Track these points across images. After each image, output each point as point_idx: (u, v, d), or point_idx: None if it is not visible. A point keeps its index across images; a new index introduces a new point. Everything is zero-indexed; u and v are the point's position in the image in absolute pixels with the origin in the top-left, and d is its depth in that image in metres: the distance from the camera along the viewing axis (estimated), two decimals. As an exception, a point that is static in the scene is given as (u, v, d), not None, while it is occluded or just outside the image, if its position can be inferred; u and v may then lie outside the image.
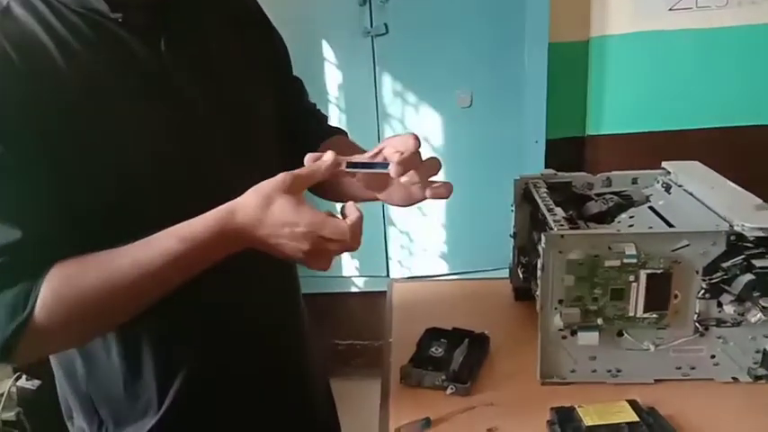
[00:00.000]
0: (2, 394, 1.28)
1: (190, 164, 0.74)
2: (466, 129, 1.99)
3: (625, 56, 2.00)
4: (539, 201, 0.98)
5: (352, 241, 0.66)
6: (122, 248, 0.66)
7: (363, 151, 0.95)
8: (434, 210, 2.07)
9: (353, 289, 2.22)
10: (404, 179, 0.72)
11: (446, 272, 2.11)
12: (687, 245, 0.82)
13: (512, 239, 1.13)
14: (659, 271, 0.83)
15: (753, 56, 1.98)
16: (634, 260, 0.82)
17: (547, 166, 2.02)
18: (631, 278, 0.83)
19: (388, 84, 1.95)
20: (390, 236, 2.13)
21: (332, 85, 1.95)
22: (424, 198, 0.77)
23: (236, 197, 0.77)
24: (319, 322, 2.25)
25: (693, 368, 0.88)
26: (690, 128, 2.07)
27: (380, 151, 0.75)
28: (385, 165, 0.72)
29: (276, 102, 0.87)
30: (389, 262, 2.16)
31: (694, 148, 2.04)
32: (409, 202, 0.79)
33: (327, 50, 1.92)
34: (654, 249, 0.82)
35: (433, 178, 0.76)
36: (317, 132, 0.96)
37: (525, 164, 1.97)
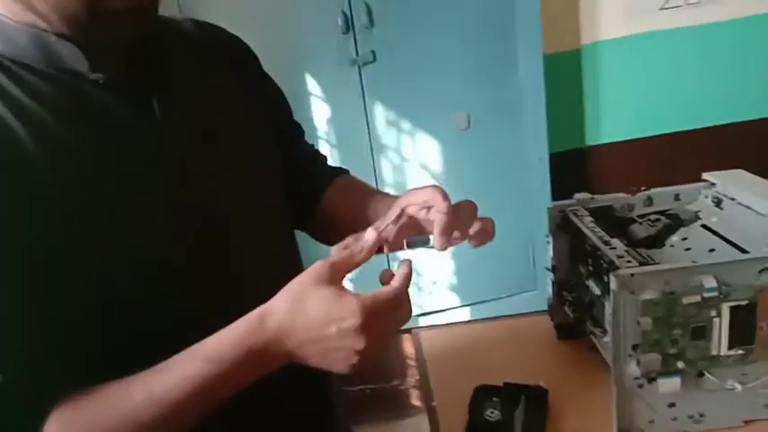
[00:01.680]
0: None
1: (202, 245, 0.62)
2: (465, 151, 1.89)
3: (619, 60, 1.94)
4: (588, 232, 0.88)
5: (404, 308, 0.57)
6: (137, 379, 0.53)
7: (372, 189, 0.86)
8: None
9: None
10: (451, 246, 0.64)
11: (458, 304, 2.00)
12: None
13: (550, 273, 1.03)
14: (743, 302, 0.73)
15: (748, 49, 1.93)
16: (715, 293, 0.72)
17: (553, 182, 1.95)
18: (713, 313, 0.74)
19: (380, 113, 1.85)
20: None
21: (320, 120, 1.83)
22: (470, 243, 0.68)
23: (255, 269, 0.66)
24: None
25: (783, 403, 0.79)
26: (691, 128, 2.01)
27: (403, 212, 0.66)
28: (426, 240, 0.64)
29: (281, 150, 0.77)
30: (397, 300, 2.02)
31: (698, 147, 1.98)
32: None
33: (312, 83, 1.81)
34: (735, 279, 0.73)
35: None
36: (321, 176, 0.86)
37: (530, 182, 1.88)
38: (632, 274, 0.73)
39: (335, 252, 0.60)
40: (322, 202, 0.84)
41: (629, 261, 0.76)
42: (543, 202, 1.83)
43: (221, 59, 0.72)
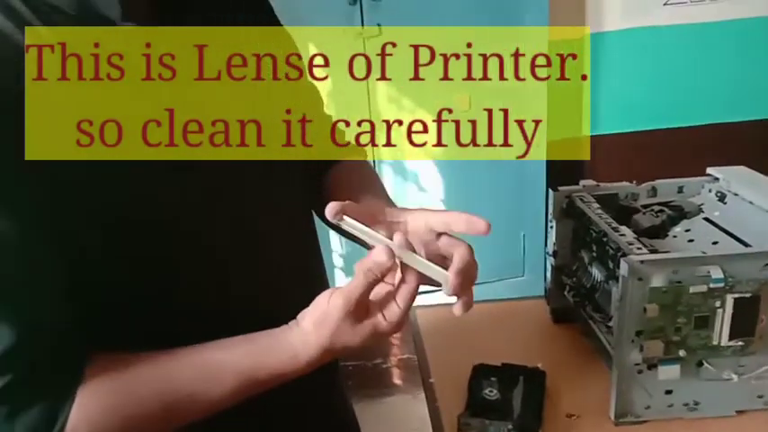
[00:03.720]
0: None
1: (218, 197, 0.62)
2: (464, 134, 1.88)
3: (620, 53, 1.94)
4: (596, 218, 0.88)
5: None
6: (173, 366, 0.55)
7: (376, 187, 0.79)
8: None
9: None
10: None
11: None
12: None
13: (550, 258, 1.04)
14: (747, 294, 0.74)
15: (749, 50, 1.94)
16: (721, 284, 0.74)
17: (548, 167, 1.95)
18: (717, 304, 0.75)
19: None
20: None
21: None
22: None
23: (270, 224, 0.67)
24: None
25: (775, 396, 0.81)
26: (685, 125, 2.03)
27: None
28: (442, 273, 0.58)
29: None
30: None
31: (693, 144, 2.00)
32: None
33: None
34: (740, 271, 0.74)
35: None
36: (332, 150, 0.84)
37: (526, 170, 1.88)
38: (642, 261, 0.73)
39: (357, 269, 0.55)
40: (324, 178, 0.81)
41: (639, 248, 0.77)
42: (539, 190, 1.84)
43: (250, 10, 0.71)
